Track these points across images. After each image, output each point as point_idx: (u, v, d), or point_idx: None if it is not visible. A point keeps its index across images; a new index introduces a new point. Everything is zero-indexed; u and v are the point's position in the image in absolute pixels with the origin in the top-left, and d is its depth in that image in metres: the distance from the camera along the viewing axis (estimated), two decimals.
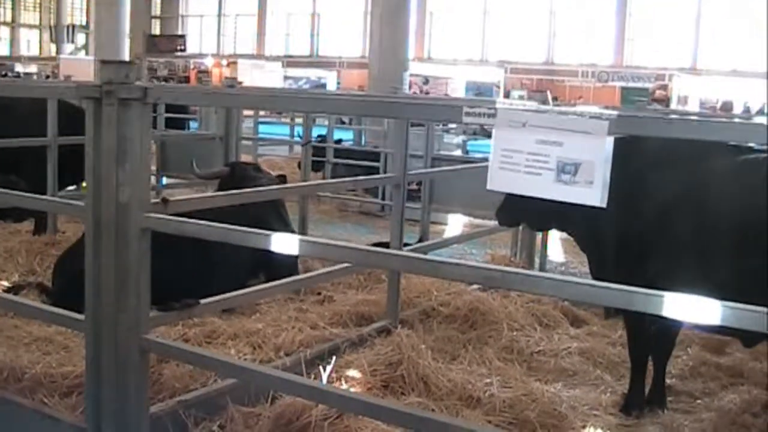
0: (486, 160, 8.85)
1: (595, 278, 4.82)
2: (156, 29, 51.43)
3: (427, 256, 2.99)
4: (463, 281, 5.65)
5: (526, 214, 5.32)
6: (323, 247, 3.08)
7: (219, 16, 51.36)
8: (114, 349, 3.59)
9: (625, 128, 2.57)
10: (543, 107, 2.65)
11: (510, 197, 5.37)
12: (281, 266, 6.90)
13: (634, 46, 42.35)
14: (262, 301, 6.26)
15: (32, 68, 50.24)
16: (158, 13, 52.31)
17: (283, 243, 3.02)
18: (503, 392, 4.74)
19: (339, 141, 14.76)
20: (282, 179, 7.99)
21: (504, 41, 44.61)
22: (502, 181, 2.71)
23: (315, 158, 12.97)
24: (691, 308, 2.38)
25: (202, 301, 4.06)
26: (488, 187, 2.74)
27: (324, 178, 12.90)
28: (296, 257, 7.00)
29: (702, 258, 4.25)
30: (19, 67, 50.18)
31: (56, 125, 7.92)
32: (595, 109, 2.58)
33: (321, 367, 4.62)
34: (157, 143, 10.52)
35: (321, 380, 4.43)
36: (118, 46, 26.49)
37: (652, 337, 4.85)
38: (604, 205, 2.57)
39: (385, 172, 12.27)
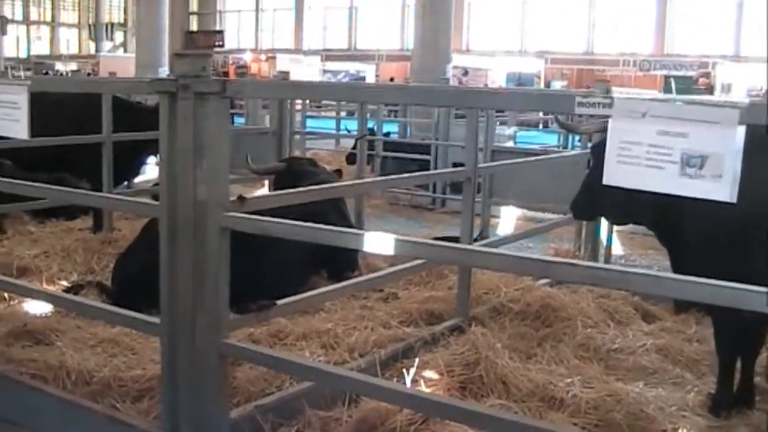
0: (544, 152, 8.65)
1: None
2: (193, 25, 51.64)
3: (547, 257, 2.78)
4: (575, 282, 5.36)
5: (605, 208, 5.07)
6: (425, 247, 2.89)
7: (256, 11, 51.42)
8: (191, 353, 3.46)
9: (757, 117, 2.37)
10: (665, 96, 2.46)
11: (587, 189, 5.15)
12: (343, 261, 6.77)
13: (674, 33, 41.77)
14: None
15: (72, 66, 50.55)
16: (196, 9, 52.49)
17: (378, 243, 2.84)
18: (586, 393, 4.54)
19: (387, 134, 14.58)
20: (339, 174, 7.84)
21: (543, 31, 44.22)
22: (620, 175, 2.53)
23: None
24: None
25: (278, 302, 3.90)
26: (604, 181, 2.56)
27: (373, 171, 12.75)
28: (357, 251, 6.84)
29: None
30: (59, 66, 50.53)
31: (111, 121, 7.83)
32: (723, 98, 2.38)
33: (404, 370, 4.45)
34: None
35: (404, 382, 4.27)
36: (158, 43, 26.50)
37: (741, 335, 4.61)
38: (734, 201, 2.38)
39: (436, 165, 12.12)
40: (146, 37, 26.58)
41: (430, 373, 4.60)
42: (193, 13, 51.49)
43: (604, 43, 43.20)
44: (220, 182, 3.31)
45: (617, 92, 2.53)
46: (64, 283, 6.47)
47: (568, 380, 4.67)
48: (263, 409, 3.92)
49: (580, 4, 43.31)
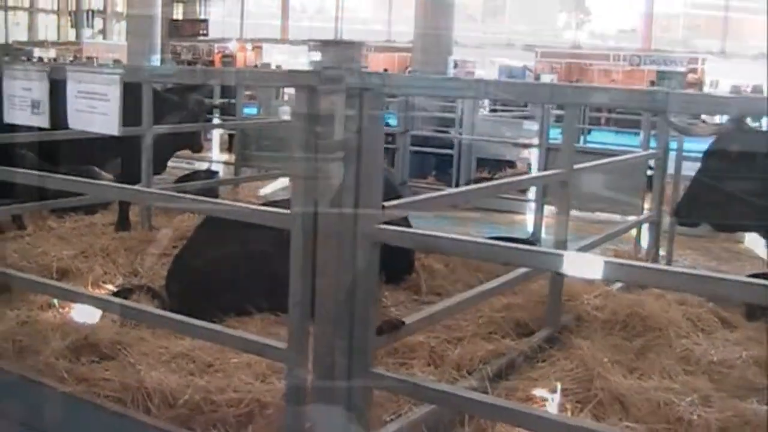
0: (604, 153, 8.13)
1: None
2: (178, 14, 50.87)
3: None
4: None
5: (714, 214, 4.74)
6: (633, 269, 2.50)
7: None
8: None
9: None
10: None
11: (695, 193, 4.84)
12: (401, 264, 6.42)
13: (663, 29, 41.63)
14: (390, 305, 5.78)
15: (51, 53, 49.64)
16: None
17: (583, 265, 2.45)
18: (709, 412, 4.20)
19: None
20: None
21: (530, 24, 43.93)
22: None
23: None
24: None
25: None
26: None
27: (394, 167, 12.39)
28: (413, 253, 6.48)
29: None
30: (38, 52, 49.55)
31: (152, 113, 7.38)
32: None
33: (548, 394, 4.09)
34: (237, 132, 9.88)
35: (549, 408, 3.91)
36: (151, 31, 25.89)
37: None
38: None
39: (459, 160, 11.79)
40: (138, 25, 25.91)
41: (543, 392, 4.23)
42: (177, 1, 50.91)
43: (593, 37, 42.99)
44: (372, 190, 2.90)
45: None
46: (110, 287, 6.02)
47: (688, 399, 4.33)
48: None
49: None
